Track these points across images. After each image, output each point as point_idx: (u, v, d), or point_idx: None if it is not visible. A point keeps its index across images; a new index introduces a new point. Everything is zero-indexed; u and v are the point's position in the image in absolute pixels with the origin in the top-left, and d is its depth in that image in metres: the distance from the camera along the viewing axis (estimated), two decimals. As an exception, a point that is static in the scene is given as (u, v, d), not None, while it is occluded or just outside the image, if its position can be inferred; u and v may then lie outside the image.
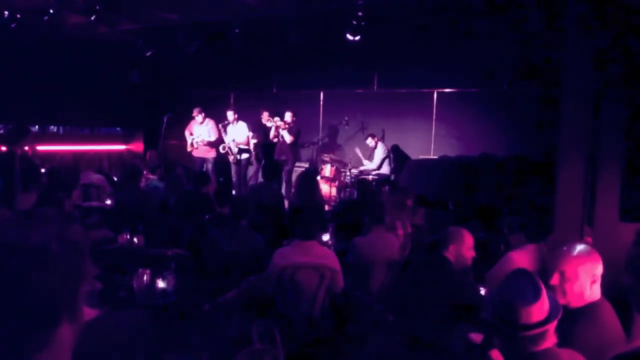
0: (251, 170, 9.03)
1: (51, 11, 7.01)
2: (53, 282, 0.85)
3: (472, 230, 3.37)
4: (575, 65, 3.27)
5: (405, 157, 8.63)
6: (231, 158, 8.71)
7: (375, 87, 9.65)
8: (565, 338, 1.86)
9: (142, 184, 6.12)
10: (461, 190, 6.20)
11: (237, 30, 7.89)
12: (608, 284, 2.22)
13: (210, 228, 3.96)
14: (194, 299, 3.08)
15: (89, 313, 1.24)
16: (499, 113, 8.37)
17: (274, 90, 10.51)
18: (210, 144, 8.80)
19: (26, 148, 5.31)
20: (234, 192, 8.53)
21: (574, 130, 3.27)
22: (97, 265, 3.04)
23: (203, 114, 8.76)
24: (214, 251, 3.62)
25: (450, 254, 3.20)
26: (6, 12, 7.14)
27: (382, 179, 8.16)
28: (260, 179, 6.32)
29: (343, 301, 3.23)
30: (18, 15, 7.21)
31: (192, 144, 8.83)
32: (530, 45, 7.16)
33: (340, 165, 9.02)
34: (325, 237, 4.26)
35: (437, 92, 9.14)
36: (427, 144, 9.15)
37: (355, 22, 7.14)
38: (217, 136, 8.78)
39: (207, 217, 4.38)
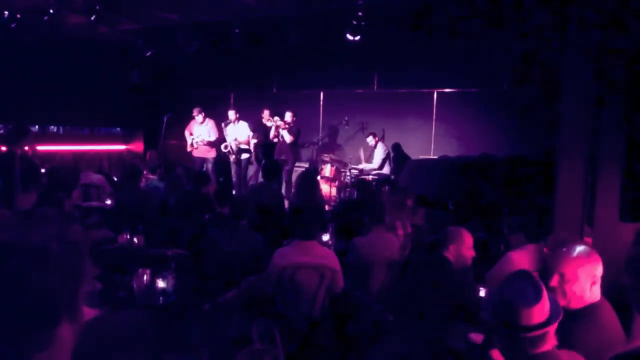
0: (251, 170, 9.03)
1: (51, 11, 7.02)
2: (53, 282, 0.85)
3: (472, 230, 3.37)
4: (575, 66, 3.27)
5: (405, 157, 8.62)
6: (232, 157, 8.71)
7: (375, 87, 9.65)
8: (566, 339, 1.86)
9: (142, 184, 6.12)
10: (461, 190, 6.19)
11: (237, 30, 7.90)
12: (608, 284, 2.22)
13: (210, 228, 3.95)
14: (194, 299, 3.08)
15: (89, 313, 1.23)
16: (499, 113, 8.36)
17: (274, 90, 10.50)
18: (210, 144, 8.80)
19: (26, 148, 5.31)
20: (234, 192, 8.52)
21: (574, 130, 3.28)
22: (97, 265, 3.04)
23: (203, 114, 8.76)
24: (214, 251, 3.62)
25: (450, 253, 3.20)
26: (6, 12, 7.14)
27: (382, 179, 8.15)
28: (260, 179, 6.31)
29: (343, 301, 3.23)
30: (18, 15, 7.21)
31: (192, 144, 8.83)
32: (530, 46, 7.16)
33: (340, 165, 9.01)
34: (325, 237, 4.25)
35: (437, 92, 9.14)
36: (427, 144, 9.15)
37: (355, 22, 7.15)
38: (217, 136, 8.78)
39: (207, 217, 4.38)
